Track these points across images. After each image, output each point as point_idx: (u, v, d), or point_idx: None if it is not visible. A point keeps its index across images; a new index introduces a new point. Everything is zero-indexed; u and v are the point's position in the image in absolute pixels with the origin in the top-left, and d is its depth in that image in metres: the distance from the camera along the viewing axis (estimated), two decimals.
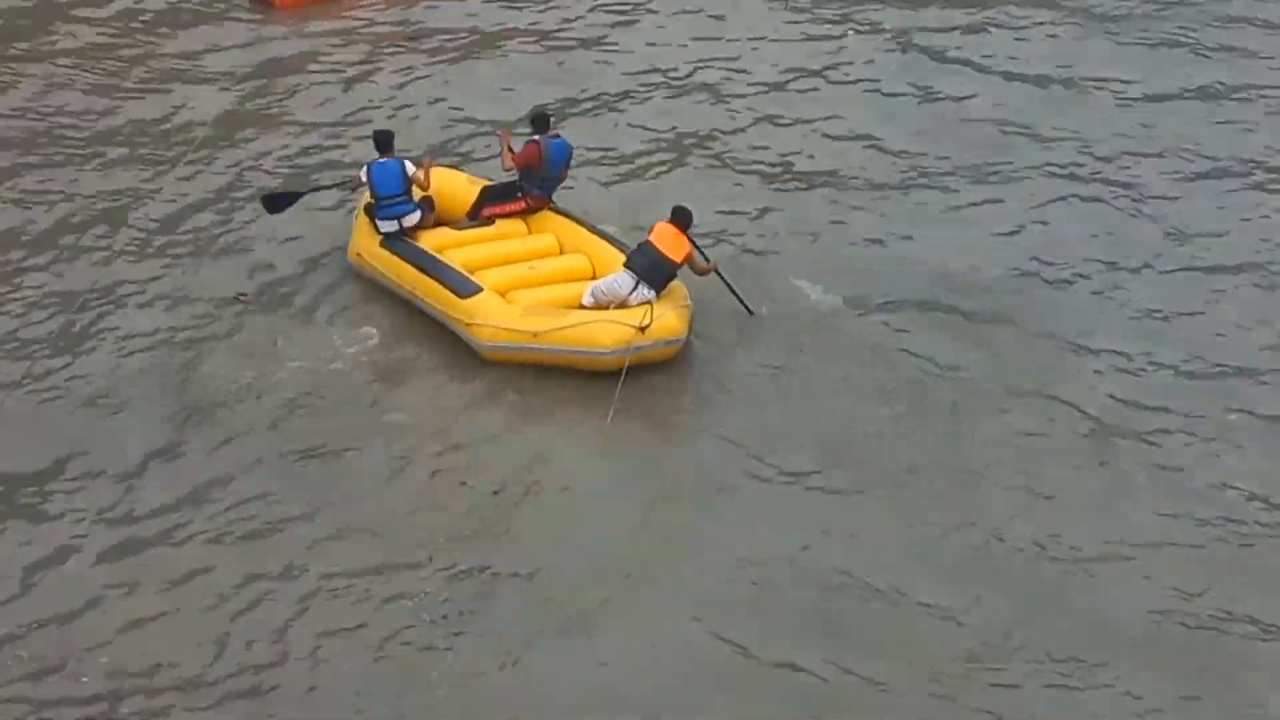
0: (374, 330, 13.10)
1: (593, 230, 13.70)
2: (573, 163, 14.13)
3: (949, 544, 11.30)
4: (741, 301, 13.26)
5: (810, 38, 18.08)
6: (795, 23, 18.36)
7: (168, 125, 15.83)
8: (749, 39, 17.93)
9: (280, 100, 16.39)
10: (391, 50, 17.35)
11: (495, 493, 11.54)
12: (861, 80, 17.27)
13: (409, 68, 17.05)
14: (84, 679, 9.82)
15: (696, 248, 13.21)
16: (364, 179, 13.54)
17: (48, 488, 11.25)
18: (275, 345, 12.74)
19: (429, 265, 13.15)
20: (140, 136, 15.62)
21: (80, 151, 15.34)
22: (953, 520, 11.49)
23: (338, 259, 13.85)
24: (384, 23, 17.93)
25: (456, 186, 14.10)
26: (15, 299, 13.17)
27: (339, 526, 11.10)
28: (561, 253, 13.68)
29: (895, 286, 14.01)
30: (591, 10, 18.28)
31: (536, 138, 13.85)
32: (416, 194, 13.72)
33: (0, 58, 16.74)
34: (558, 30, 17.99)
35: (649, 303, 12.66)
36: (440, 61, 17.27)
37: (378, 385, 12.58)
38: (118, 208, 14.49)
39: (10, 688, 9.75)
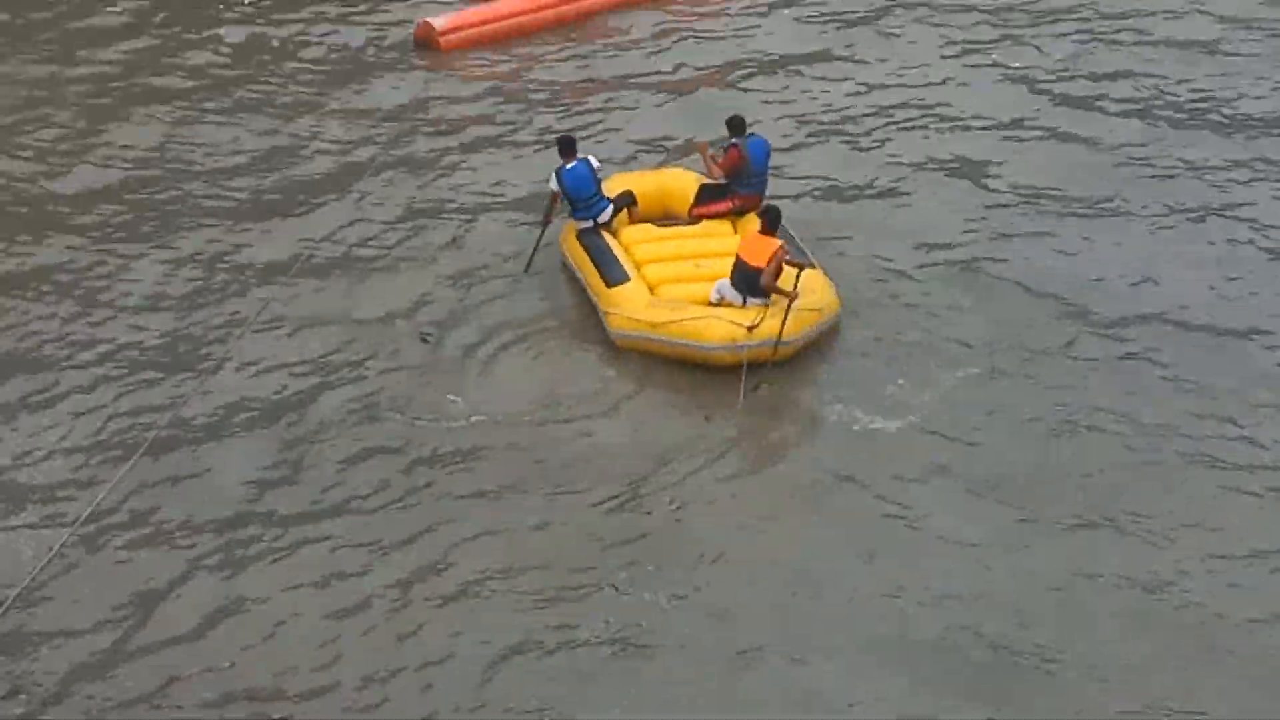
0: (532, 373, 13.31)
1: (792, 242, 13.82)
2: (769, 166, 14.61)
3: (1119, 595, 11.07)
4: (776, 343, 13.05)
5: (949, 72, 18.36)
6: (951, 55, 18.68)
7: (340, 160, 16.22)
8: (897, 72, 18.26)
9: (450, 135, 16.74)
10: (566, 89, 17.67)
11: (650, 513, 11.72)
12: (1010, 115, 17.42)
13: (584, 99, 17.42)
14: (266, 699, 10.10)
15: (797, 253, 13.41)
16: (555, 186, 14.05)
17: (245, 529, 11.48)
18: (449, 394, 12.86)
19: (598, 255, 13.86)
20: (306, 170, 16.06)
21: (260, 191, 15.71)
22: (1125, 569, 11.26)
23: (500, 291, 14.22)
24: (553, 60, 18.27)
25: (684, 184, 14.85)
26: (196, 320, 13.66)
27: (503, 555, 11.24)
28: None
29: (1065, 323, 13.93)
30: (746, 56, 18.52)
31: (735, 141, 14.47)
32: (611, 190, 14.40)
33: (189, 104, 17.27)
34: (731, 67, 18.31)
35: (765, 305, 13.05)
36: (614, 93, 17.61)
37: (544, 415, 12.77)
38: (318, 243, 14.81)
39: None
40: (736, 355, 12.87)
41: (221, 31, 18.56)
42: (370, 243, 14.89)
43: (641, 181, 14.95)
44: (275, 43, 18.48)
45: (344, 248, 14.81)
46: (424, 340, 13.51)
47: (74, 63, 17.82)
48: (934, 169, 16.27)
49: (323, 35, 18.68)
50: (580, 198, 14.14)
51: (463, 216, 15.33)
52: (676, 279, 13.72)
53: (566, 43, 18.59)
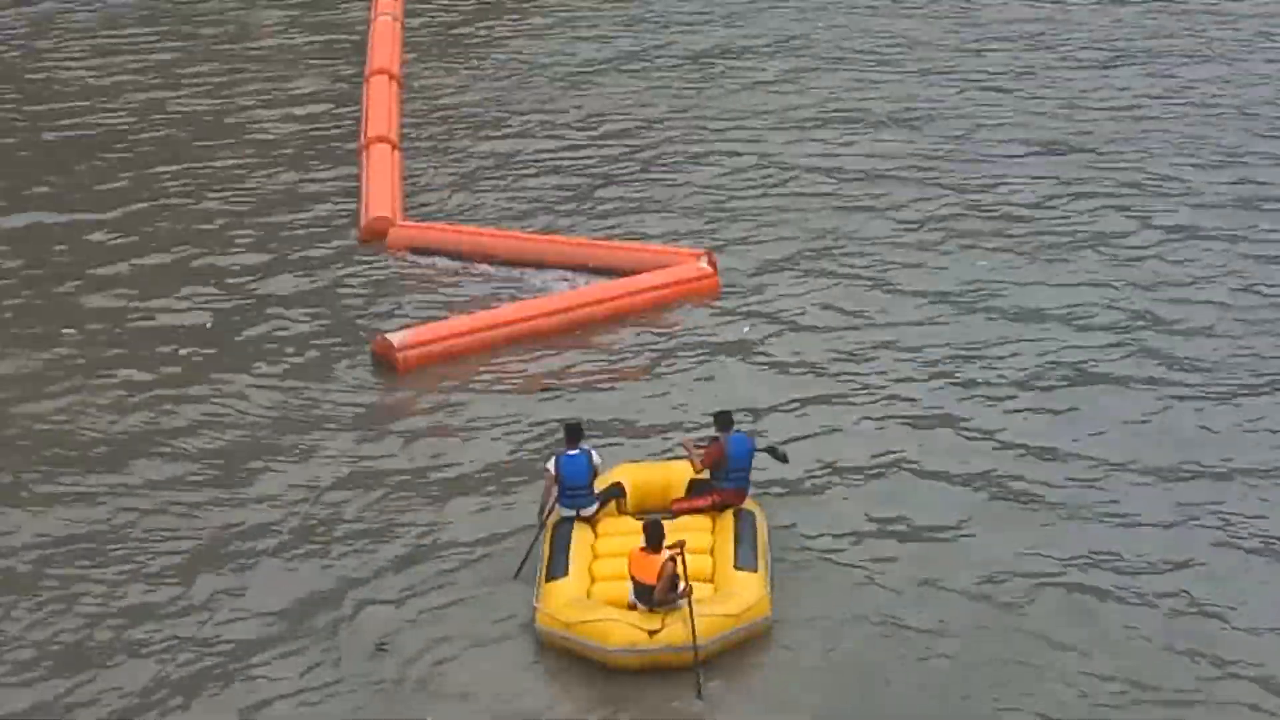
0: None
1: (748, 543, 14.14)
2: (757, 447, 14.90)
3: None
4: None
5: None
6: None
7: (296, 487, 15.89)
8: None
9: (424, 455, 16.56)
10: (537, 395, 17.67)
11: None
12: None
13: (558, 404, 17.39)
14: None
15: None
16: (553, 470, 14.32)
17: None
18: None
19: (555, 546, 14.21)
20: (262, 498, 15.71)
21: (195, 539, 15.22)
22: None
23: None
24: (517, 375, 18.16)
25: (684, 477, 15.03)
26: None
27: None
28: (710, 551, 14.17)
29: None
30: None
31: (717, 436, 14.84)
32: (611, 477, 14.77)
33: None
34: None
35: (674, 610, 13.32)
36: (586, 395, 17.65)
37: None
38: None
39: None
40: (640, 659, 13.19)
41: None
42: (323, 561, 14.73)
43: (645, 471, 15.15)
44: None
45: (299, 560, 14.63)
46: (379, 649, 13.37)
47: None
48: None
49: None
50: (571, 486, 14.49)
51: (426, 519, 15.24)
52: (620, 576, 13.69)
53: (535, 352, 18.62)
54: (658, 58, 28.33)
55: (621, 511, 14.79)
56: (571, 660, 13.25)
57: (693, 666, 12.98)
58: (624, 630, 13.22)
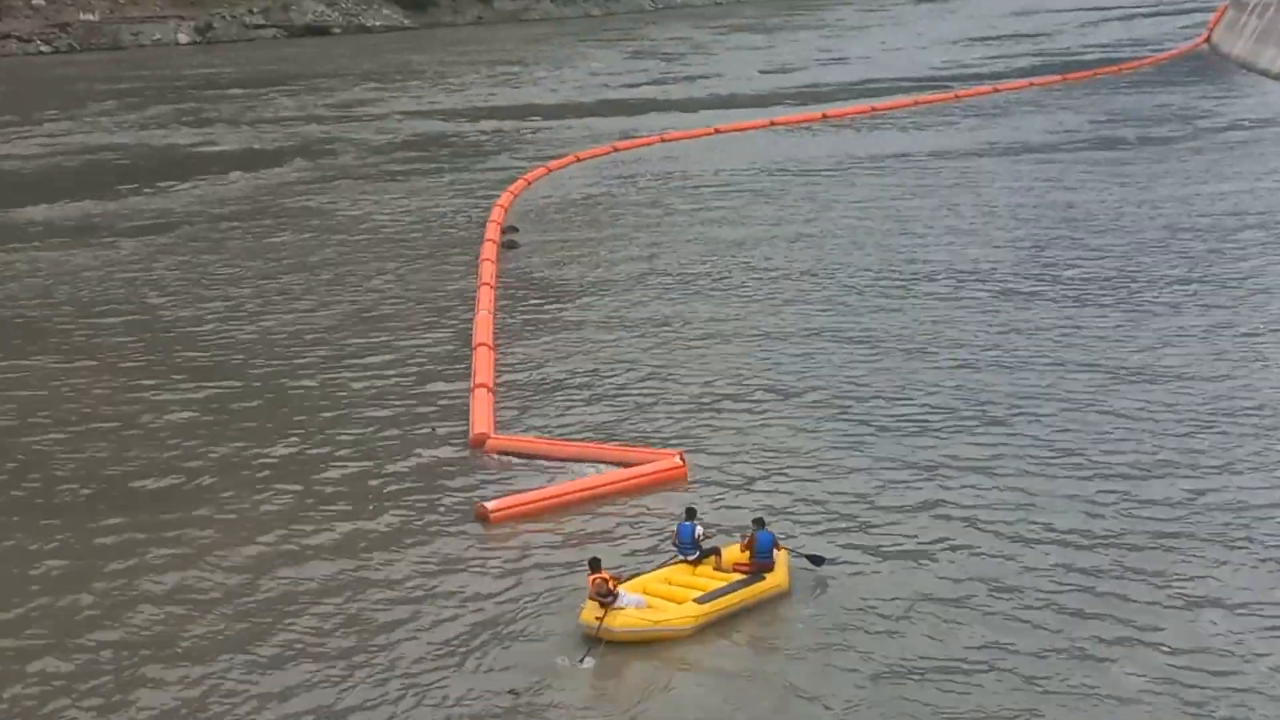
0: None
1: (723, 592, 21.49)
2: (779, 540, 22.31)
3: None
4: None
5: None
6: None
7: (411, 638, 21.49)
8: None
9: (516, 607, 22.24)
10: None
11: None
12: None
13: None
14: None
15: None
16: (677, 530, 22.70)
17: None
18: None
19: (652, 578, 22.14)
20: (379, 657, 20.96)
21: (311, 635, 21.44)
22: None
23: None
24: (590, 530, 24.80)
25: (735, 556, 22.62)
26: None
27: None
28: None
29: None
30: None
31: (752, 531, 22.41)
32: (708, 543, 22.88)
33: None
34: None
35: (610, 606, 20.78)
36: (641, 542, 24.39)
37: None
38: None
39: None
40: (587, 632, 20.77)
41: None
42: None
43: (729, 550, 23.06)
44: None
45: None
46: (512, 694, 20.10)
47: None
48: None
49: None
50: (680, 540, 22.80)
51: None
52: (655, 591, 21.81)
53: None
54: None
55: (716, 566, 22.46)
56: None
57: (595, 640, 20.23)
58: (585, 613, 20.91)
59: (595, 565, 21.78)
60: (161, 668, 20.80)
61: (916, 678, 19.85)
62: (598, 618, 20.95)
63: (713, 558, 22.70)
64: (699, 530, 22.79)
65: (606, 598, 21.09)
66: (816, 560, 22.62)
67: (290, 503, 26.78)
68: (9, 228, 53.94)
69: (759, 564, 22.50)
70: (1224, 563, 22.82)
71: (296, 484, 27.65)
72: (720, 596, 21.57)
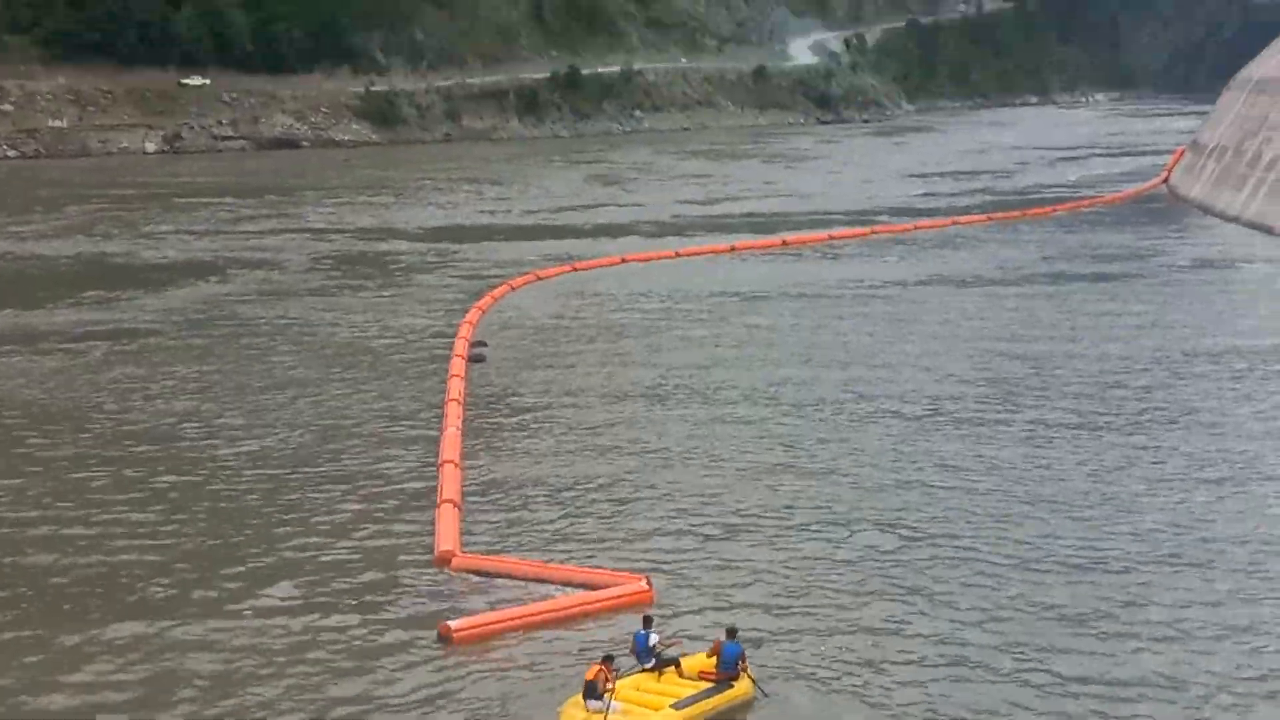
0: None
1: (696, 699, 22.48)
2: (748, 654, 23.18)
3: None
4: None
5: None
6: None
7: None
8: None
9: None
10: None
11: None
12: None
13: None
14: None
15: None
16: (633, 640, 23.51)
17: None
18: None
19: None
20: None
21: None
22: None
23: None
24: (554, 650, 25.14)
25: (699, 663, 23.51)
26: None
27: None
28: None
29: None
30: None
31: (722, 639, 23.17)
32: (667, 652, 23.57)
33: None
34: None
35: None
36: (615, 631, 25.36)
37: None
38: None
39: None
40: None
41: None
42: None
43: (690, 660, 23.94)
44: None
45: None
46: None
47: None
48: None
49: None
50: (638, 648, 23.43)
51: None
52: (634, 700, 22.55)
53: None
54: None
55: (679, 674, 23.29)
56: None
57: None
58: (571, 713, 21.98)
59: (609, 660, 22.49)
60: None
61: None
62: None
63: (672, 668, 23.27)
64: (654, 639, 23.38)
65: (599, 699, 21.77)
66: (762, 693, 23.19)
67: (251, 621, 26.72)
68: None
69: (724, 674, 23.24)
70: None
71: (257, 601, 27.61)
72: (695, 703, 22.41)
